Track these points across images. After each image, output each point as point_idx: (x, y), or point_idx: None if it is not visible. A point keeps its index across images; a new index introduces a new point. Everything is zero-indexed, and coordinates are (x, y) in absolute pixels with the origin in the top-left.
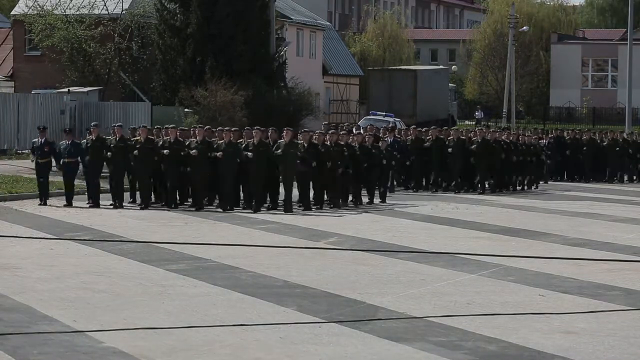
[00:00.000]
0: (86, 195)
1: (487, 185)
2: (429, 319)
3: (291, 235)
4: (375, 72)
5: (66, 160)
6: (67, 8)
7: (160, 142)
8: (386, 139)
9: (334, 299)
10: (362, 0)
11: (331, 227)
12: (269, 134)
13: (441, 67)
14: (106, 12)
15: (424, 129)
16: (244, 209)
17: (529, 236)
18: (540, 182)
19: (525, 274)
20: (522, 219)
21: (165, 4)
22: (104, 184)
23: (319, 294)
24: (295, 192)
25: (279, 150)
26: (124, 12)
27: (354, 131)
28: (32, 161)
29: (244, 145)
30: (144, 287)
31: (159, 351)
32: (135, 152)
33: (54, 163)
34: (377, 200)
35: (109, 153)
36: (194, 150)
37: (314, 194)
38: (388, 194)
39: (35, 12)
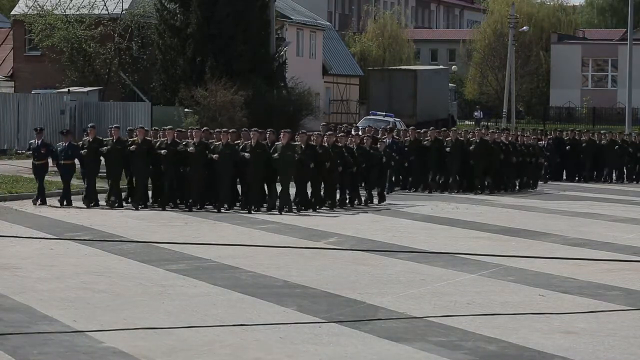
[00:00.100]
0: (82, 196)
1: (486, 184)
2: (429, 319)
3: (291, 235)
4: (375, 72)
5: (63, 162)
6: (67, 8)
7: (158, 143)
8: (385, 140)
9: (334, 299)
10: (362, 0)
11: (331, 227)
12: (267, 135)
13: (441, 67)
14: (106, 12)
15: (422, 130)
16: (242, 209)
17: (529, 236)
18: (540, 183)
19: (525, 274)
20: (522, 219)
21: (165, 4)
22: (103, 184)
23: (319, 294)
24: (293, 192)
25: (276, 154)
26: (124, 12)
27: (353, 132)
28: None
29: (241, 146)
30: (144, 287)
31: (159, 351)
32: (133, 147)
33: (51, 164)
34: (375, 200)
35: (103, 149)
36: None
37: (312, 194)
38: (386, 194)
39: (35, 12)
